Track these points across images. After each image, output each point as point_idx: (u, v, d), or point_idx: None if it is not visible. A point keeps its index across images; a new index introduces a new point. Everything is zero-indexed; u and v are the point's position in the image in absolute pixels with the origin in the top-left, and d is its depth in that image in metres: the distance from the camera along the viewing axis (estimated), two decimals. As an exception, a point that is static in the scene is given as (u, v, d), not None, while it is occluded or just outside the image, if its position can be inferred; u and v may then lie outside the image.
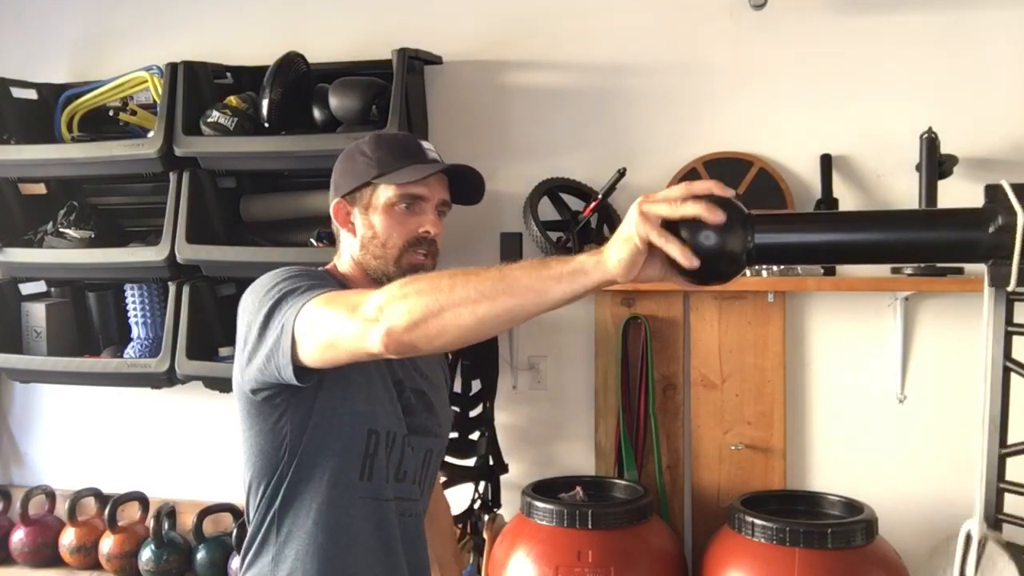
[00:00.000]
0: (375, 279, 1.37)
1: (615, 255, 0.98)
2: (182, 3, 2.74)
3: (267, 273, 1.31)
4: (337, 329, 1.12)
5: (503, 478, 2.42)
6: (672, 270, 1.02)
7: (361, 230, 1.39)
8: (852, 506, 2.07)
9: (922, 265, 2.08)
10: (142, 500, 2.67)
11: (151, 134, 2.45)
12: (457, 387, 2.38)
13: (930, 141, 2.11)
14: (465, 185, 1.45)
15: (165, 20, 2.74)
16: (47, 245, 2.56)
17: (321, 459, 1.32)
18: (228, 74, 2.57)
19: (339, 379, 1.28)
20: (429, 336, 1.06)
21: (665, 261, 1.01)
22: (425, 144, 1.43)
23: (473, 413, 2.42)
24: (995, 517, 1.65)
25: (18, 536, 2.68)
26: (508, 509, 2.38)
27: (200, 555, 2.53)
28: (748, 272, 2.09)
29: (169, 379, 2.43)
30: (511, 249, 2.33)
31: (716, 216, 0.94)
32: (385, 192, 1.37)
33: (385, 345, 1.07)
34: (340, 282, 1.37)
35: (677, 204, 0.95)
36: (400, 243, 1.36)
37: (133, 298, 2.58)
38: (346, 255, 1.43)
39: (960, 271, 2.08)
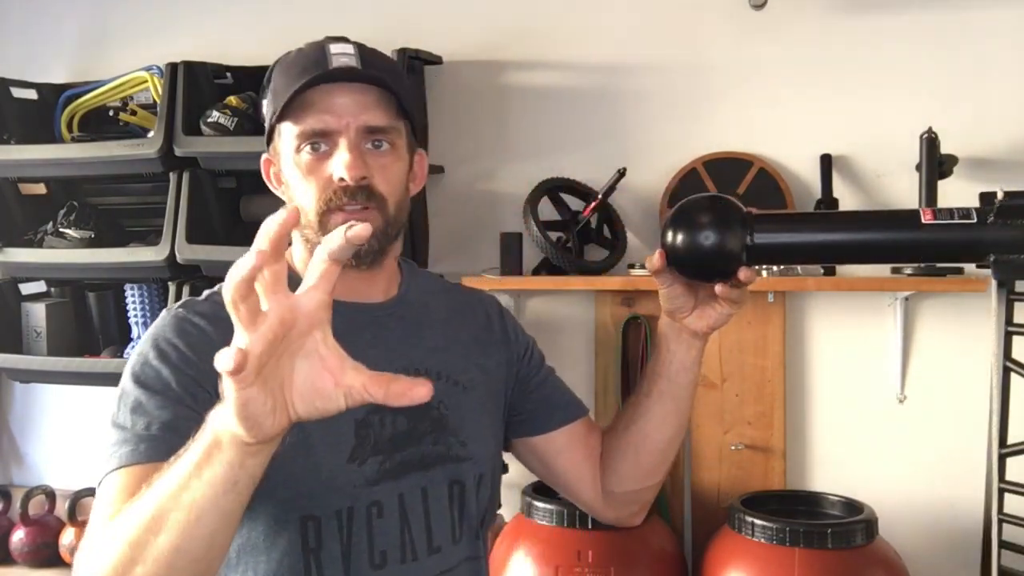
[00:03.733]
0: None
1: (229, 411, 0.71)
2: (182, 3, 2.74)
3: (143, 340, 1.01)
4: None
5: (503, 478, 2.41)
6: (672, 276, 1.04)
7: (288, 192, 1.06)
8: (852, 506, 2.07)
9: (922, 265, 2.08)
10: (142, 500, 2.67)
11: (151, 134, 2.45)
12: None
13: (930, 141, 2.10)
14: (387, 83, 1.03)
15: (165, 20, 2.75)
16: (47, 245, 2.56)
17: (247, 558, 1.00)
18: (228, 74, 2.57)
19: None
20: None
21: (668, 273, 1.03)
22: (336, 47, 1.03)
23: (473, 413, 2.41)
24: (996, 517, 1.66)
25: (18, 536, 2.68)
26: (508, 509, 2.38)
27: (200, 555, 2.53)
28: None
29: (169, 379, 2.42)
30: (511, 249, 2.33)
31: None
32: (286, 134, 1.03)
33: None
34: (295, 280, 1.06)
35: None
36: (316, 203, 1.00)
37: (133, 298, 2.58)
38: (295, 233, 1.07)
39: (960, 271, 2.08)
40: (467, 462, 1.08)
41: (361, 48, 1.04)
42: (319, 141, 1.01)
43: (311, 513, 0.98)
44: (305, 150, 1.01)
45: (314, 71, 1.00)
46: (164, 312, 1.03)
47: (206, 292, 1.07)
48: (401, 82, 1.07)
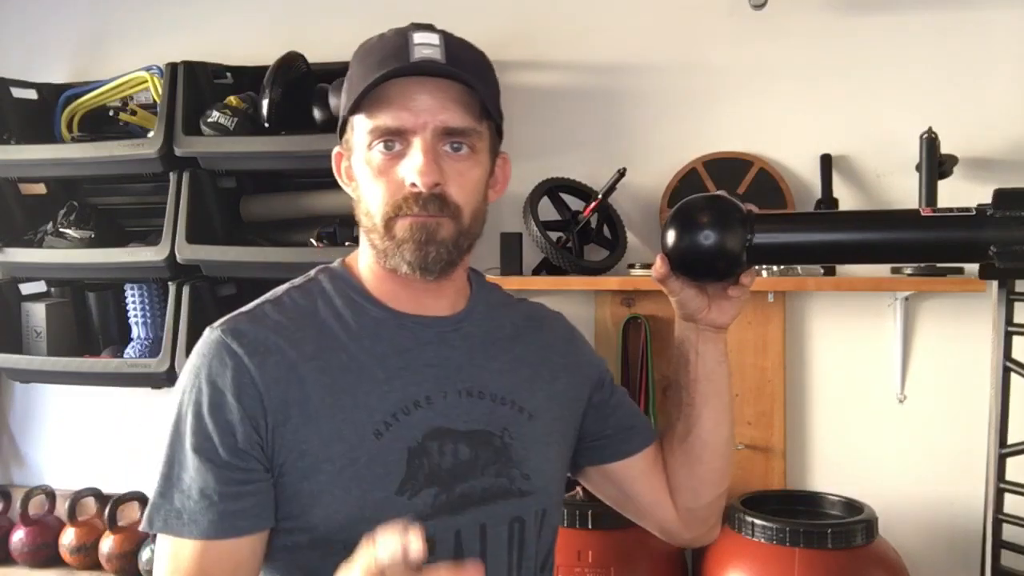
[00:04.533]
0: (388, 268, 0.98)
1: None
2: (182, 3, 2.74)
3: (185, 369, 0.97)
4: None
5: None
6: (680, 282, 1.04)
7: (356, 191, 1.00)
8: (852, 506, 2.07)
9: (922, 265, 2.08)
10: (142, 500, 2.67)
11: (151, 134, 2.45)
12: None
13: (930, 141, 2.10)
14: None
15: (165, 20, 2.75)
16: (47, 245, 2.56)
17: None
18: (228, 74, 2.57)
19: (293, 493, 0.92)
20: None
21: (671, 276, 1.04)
22: (419, 37, 0.95)
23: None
24: (995, 517, 1.66)
25: (18, 536, 2.68)
26: (508, 509, 2.38)
27: (200, 555, 2.52)
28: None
29: (169, 379, 2.42)
30: (511, 249, 2.33)
31: None
32: (358, 129, 0.97)
33: None
34: (356, 286, 1.01)
35: None
36: (384, 207, 0.94)
37: (133, 298, 2.58)
38: (362, 232, 1.02)
39: (960, 271, 2.08)
40: (530, 497, 0.99)
41: (447, 38, 0.96)
42: (393, 140, 0.93)
43: (352, 548, 0.83)
44: (377, 148, 0.94)
45: (394, 62, 0.92)
46: (208, 332, 0.97)
47: (254, 303, 1.00)
48: (487, 79, 0.98)
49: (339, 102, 1.03)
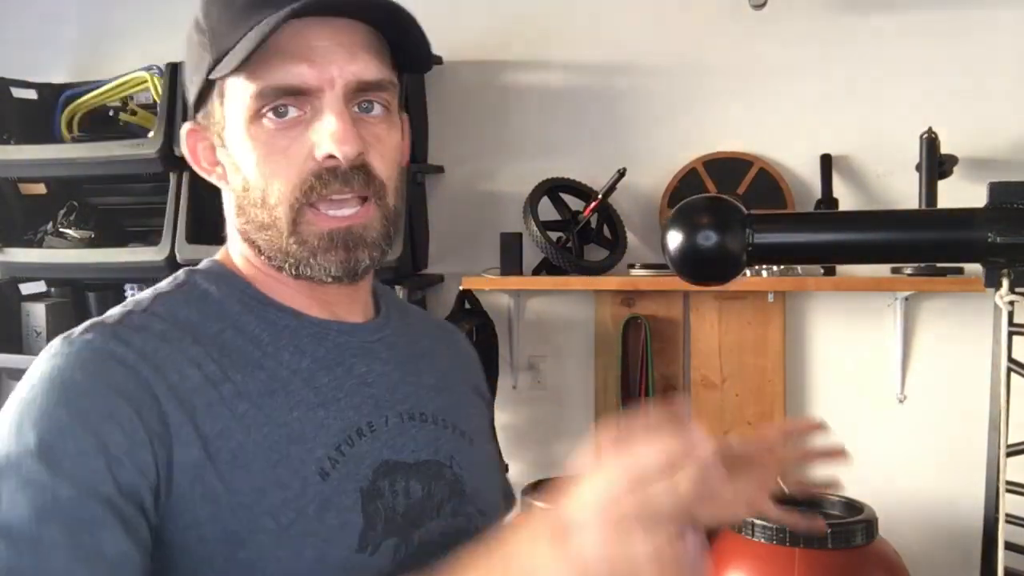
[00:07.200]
0: (281, 268, 0.76)
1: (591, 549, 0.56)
2: (182, 3, 2.72)
3: (31, 371, 0.69)
4: None
5: (503, 478, 2.41)
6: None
7: (231, 177, 0.77)
8: (852, 506, 2.07)
9: (922, 265, 2.08)
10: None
11: (151, 134, 2.45)
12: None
13: (930, 141, 2.10)
14: (400, 33, 0.79)
15: (165, 20, 2.73)
16: (47, 245, 2.56)
17: None
18: (228, 74, 2.56)
19: (219, 571, 0.68)
20: None
21: None
22: None
23: (473, 413, 2.40)
24: (996, 517, 1.66)
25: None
26: (508, 509, 2.38)
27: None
28: (748, 272, 2.09)
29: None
30: (511, 249, 2.33)
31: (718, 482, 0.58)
32: (238, 93, 0.73)
33: None
34: (250, 289, 0.78)
35: (670, 482, 0.57)
36: (290, 192, 0.72)
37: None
38: (232, 227, 0.80)
39: (960, 271, 2.08)
40: (481, 530, 0.80)
41: None
42: (287, 104, 0.71)
43: None
44: (268, 116, 0.72)
45: (274, 3, 0.69)
46: (66, 341, 0.70)
47: (112, 313, 0.74)
48: (401, 13, 0.76)
49: (195, 59, 0.79)
